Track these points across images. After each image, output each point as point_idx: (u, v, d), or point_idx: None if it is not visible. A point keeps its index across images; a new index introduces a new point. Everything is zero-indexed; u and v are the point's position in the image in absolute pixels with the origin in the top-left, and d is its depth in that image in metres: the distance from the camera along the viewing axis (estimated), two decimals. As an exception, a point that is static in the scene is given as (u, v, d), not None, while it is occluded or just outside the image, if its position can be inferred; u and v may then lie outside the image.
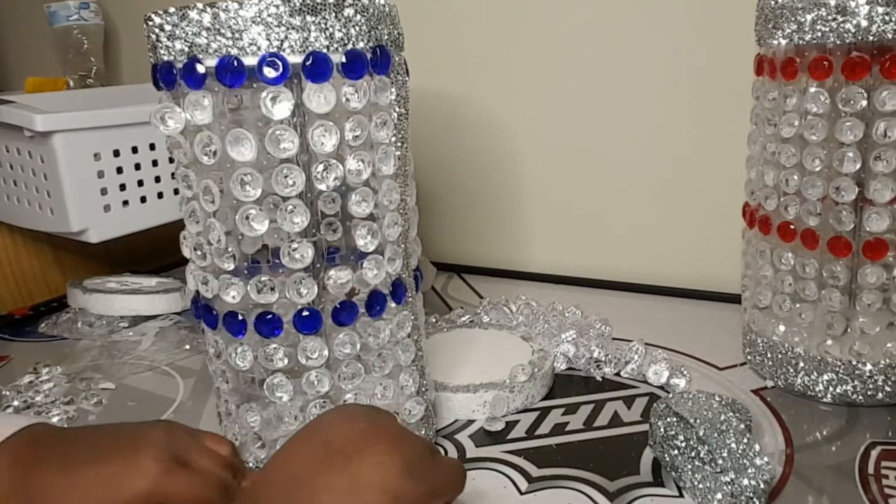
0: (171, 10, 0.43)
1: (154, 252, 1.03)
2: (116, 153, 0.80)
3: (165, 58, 0.44)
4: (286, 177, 0.43)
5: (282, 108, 0.43)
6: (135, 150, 0.81)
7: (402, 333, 0.51)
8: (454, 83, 0.95)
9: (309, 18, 0.42)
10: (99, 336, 0.81)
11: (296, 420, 0.48)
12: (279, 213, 0.44)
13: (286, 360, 0.47)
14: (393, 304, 0.50)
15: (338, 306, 0.47)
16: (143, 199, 0.83)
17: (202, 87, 0.43)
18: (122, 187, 0.81)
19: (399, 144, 0.48)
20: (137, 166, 0.82)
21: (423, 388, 0.54)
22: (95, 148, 0.78)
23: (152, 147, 0.83)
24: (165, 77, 0.44)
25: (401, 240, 0.49)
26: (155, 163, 0.83)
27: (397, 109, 0.48)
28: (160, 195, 0.84)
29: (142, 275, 0.95)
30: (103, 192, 0.79)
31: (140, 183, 0.82)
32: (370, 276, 0.47)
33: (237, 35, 0.42)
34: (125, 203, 0.81)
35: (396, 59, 0.48)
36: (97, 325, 0.83)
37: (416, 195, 0.52)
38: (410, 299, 0.51)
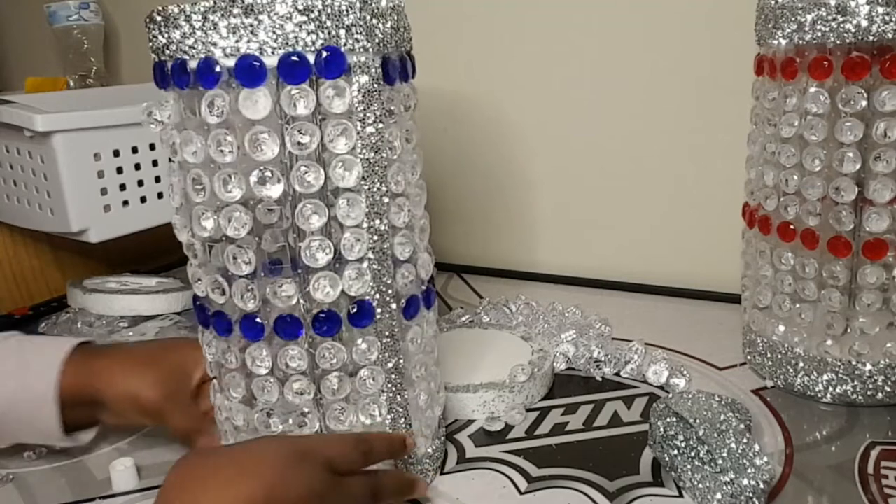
0: (172, 8, 0.43)
1: (154, 252, 1.03)
2: (116, 153, 0.80)
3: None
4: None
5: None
6: (135, 150, 0.81)
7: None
8: (454, 83, 0.95)
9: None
10: (99, 336, 0.81)
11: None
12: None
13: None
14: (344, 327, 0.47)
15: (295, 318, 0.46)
16: (143, 199, 0.83)
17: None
18: (122, 187, 0.81)
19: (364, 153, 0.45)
20: (137, 166, 0.82)
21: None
22: (95, 148, 0.78)
23: (152, 147, 0.83)
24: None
25: (370, 255, 0.46)
26: (155, 163, 0.83)
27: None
28: (160, 195, 0.84)
29: (142, 275, 0.95)
30: (103, 192, 0.79)
31: (140, 183, 0.82)
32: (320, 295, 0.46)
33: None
34: (125, 203, 0.81)
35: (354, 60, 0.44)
36: (97, 325, 0.83)
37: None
38: (381, 318, 0.47)
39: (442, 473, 0.54)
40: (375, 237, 0.45)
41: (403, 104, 0.48)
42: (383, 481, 0.45)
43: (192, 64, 0.42)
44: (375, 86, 0.43)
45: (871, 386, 0.57)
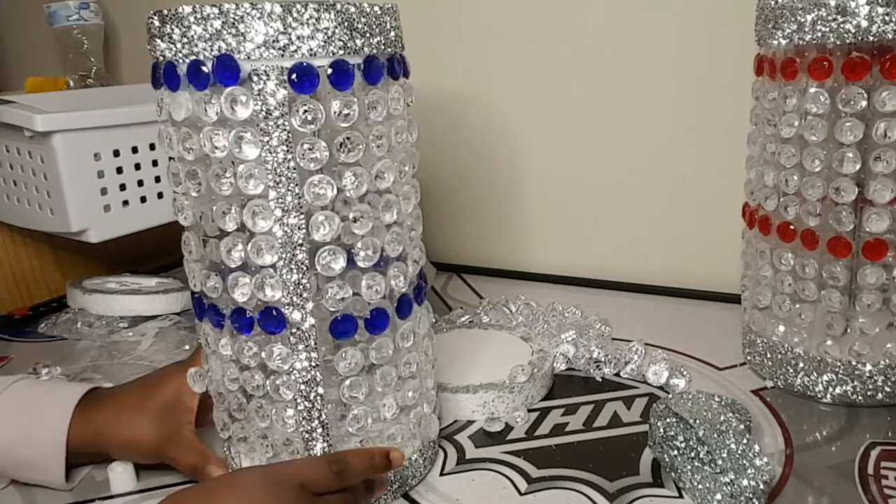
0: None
1: (154, 252, 1.03)
2: (116, 153, 0.80)
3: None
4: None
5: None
6: (135, 150, 0.81)
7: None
8: (452, 83, 0.95)
9: None
10: (99, 336, 0.81)
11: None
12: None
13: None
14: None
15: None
16: (143, 199, 0.83)
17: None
18: (122, 187, 0.81)
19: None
20: (137, 166, 0.82)
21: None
22: (95, 148, 0.78)
23: (152, 147, 0.83)
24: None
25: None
26: (155, 163, 0.83)
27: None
28: (160, 195, 0.84)
29: (142, 275, 0.95)
30: (103, 192, 0.79)
31: (140, 183, 0.82)
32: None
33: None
34: (125, 203, 0.81)
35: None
36: (97, 325, 0.83)
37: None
38: (294, 325, 0.47)
39: (442, 474, 0.54)
40: (287, 245, 0.44)
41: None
42: (358, 489, 0.45)
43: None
44: (281, 93, 0.42)
45: (871, 386, 0.57)
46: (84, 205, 0.78)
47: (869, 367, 0.57)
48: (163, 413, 0.53)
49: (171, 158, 0.47)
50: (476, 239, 1.01)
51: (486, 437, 0.58)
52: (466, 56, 0.93)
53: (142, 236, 0.85)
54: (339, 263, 0.45)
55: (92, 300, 0.85)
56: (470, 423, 0.60)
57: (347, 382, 0.47)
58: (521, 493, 0.51)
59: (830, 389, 0.58)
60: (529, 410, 0.61)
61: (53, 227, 0.80)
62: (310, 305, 0.45)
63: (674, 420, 0.50)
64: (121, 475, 0.54)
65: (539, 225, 0.96)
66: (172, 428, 0.53)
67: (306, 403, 0.47)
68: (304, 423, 0.47)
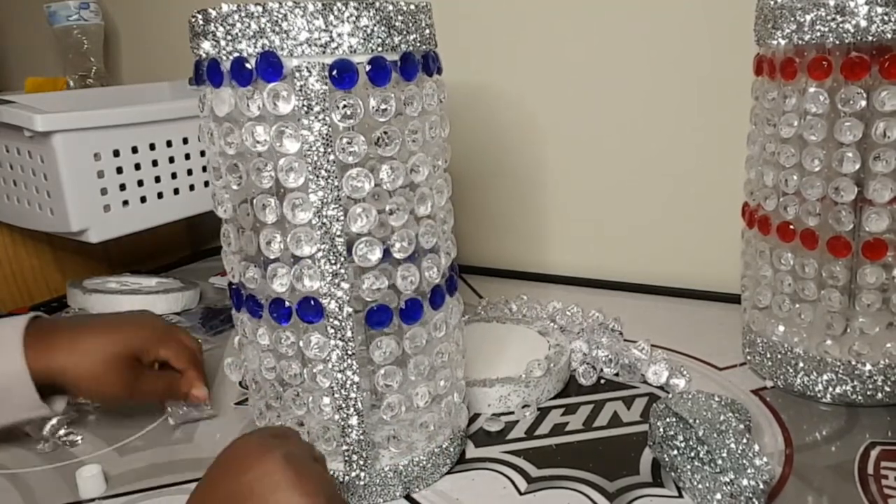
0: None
1: (154, 252, 1.03)
2: (116, 153, 0.80)
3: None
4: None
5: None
6: (135, 150, 0.81)
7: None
8: (452, 83, 0.95)
9: None
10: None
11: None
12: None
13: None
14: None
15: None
16: (143, 199, 0.83)
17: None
18: (122, 187, 0.81)
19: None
20: (137, 166, 0.82)
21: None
22: (95, 148, 0.78)
23: (152, 147, 0.83)
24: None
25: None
26: (155, 163, 0.83)
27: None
28: (160, 195, 0.84)
29: (142, 275, 0.95)
30: (103, 192, 0.79)
31: (140, 183, 0.82)
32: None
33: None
34: (125, 203, 0.81)
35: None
36: (97, 325, 0.83)
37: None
38: (332, 316, 0.48)
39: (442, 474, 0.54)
40: (325, 237, 0.45)
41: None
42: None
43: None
44: (322, 89, 0.43)
45: (870, 386, 0.57)
46: (84, 205, 0.78)
47: (869, 366, 0.57)
48: (124, 366, 0.56)
49: (202, 153, 0.48)
50: (476, 239, 1.01)
51: (486, 436, 0.58)
52: (464, 55, 0.93)
53: (142, 236, 0.85)
54: (376, 255, 0.46)
55: (92, 300, 0.85)
56: (470, 422, 0.60)
57: (382, 371, 0.49)
58: (521, 493, 0.51)
59: (830, 389, 0.58)
60: (524, 408, 0.61)
61: (53, 227, 0.80)
62: (347, 296, 0.46)
63: (674, 420, 0.50)
64: (89, 480, 0.53)
65: (539, 225, 0.96)
66: (133, 377, 0.57)
67: (342, 391, 0.47)
68: (340, 410, 0.48)
